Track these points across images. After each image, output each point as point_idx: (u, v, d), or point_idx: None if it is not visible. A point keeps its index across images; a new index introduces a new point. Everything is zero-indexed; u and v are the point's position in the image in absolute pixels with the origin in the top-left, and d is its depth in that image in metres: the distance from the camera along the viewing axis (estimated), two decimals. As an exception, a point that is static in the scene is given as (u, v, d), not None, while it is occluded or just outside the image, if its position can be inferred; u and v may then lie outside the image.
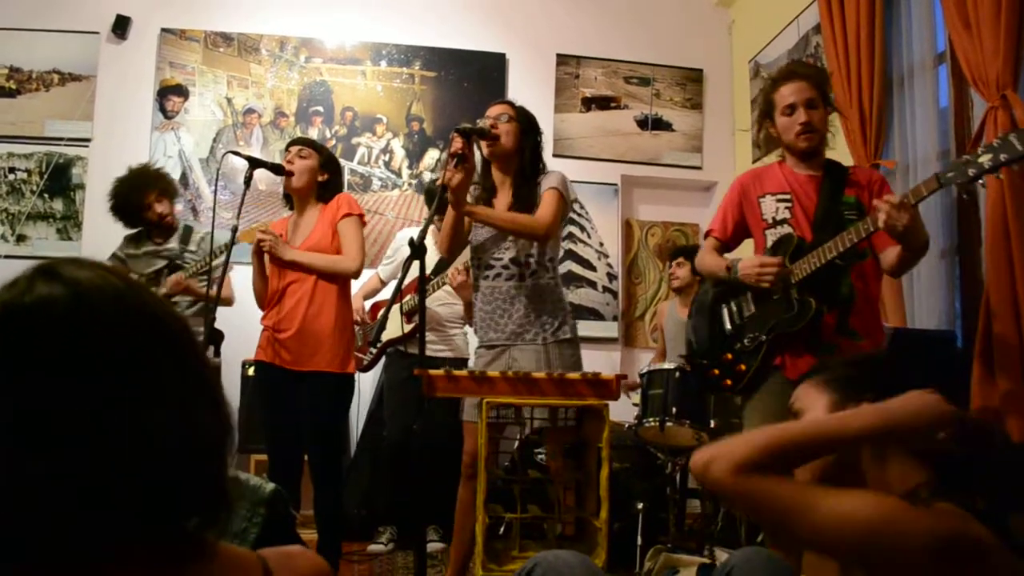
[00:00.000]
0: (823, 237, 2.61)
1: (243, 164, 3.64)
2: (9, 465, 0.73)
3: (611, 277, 5.74)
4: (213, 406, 0.85)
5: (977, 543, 1.19)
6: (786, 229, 2.76)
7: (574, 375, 2.56)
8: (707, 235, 3.09)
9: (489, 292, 3.09)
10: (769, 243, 2.81)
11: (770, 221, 2.83)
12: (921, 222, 2.41)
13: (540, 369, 2.89)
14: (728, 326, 2.86)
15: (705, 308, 3.00)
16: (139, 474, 0.76)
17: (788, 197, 2.79)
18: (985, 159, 2.20)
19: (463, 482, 3.06)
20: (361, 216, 3.51)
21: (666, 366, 4.02)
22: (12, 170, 5.25)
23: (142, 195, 4.05)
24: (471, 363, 3.20)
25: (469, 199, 3.08)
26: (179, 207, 4.34)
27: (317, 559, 0.98)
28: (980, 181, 2.26)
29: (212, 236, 3.96)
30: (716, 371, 2.87)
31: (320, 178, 3.49)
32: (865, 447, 1.38)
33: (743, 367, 2.75)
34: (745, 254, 2.90)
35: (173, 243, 4.12)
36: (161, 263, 4.07)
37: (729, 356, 2.82)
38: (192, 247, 4.09)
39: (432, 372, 2.50)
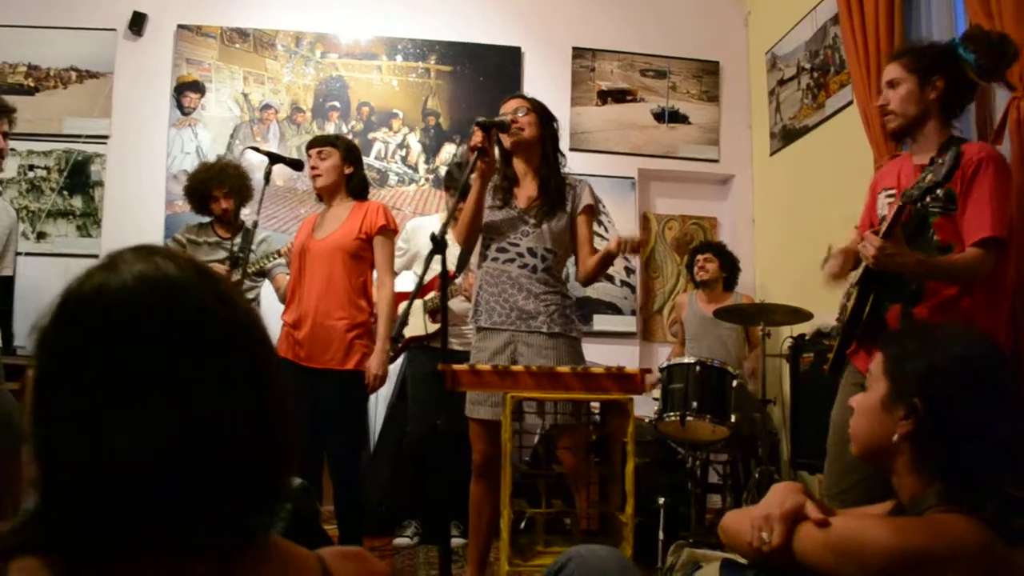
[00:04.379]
0: (905, 232, 2.52)
1: (259, 160, 3.67)
2: (80, 447, 0.75)
3: (629, 271, 5.72)
4: (269, 396, 0.84)
5: (951, 555, 1.24)
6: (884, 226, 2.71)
7: (598, 369, 2.56)
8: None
9: (497, 274, 3.09)
10: None
11: (880, 218, 2.78)
12: (896, 256, 2.37)
13: (545, 362, 2.90)
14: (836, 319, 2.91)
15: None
16: (203, 467, 0.76)
17: (893, 192, 2.73)
18: (927, 178, 2.21)
19: (475, 479, 3.07)
20: (396, 230, 3.61)
21: (686, 360, 4.02)
22: (31, 167, 5.28)
23: (212, 186, 4.14)
24: (472, 348, 3.17)
25: (489, 189, 3.13)
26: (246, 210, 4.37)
27: (377, 564, 0.99)
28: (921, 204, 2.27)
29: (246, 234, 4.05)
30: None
31: (346, 171, 3.52)
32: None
33: (831, 355, 2.83)
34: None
35: (237, 240, 4.17)
36: (222, 254, 4.14)
37: (829, 343, 2.95)
38: (252, 247, 4.09)
39: (456, 367, 2.50)
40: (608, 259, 3.03)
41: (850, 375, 2.74)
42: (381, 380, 3.44)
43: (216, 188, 4.12)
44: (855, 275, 2.68)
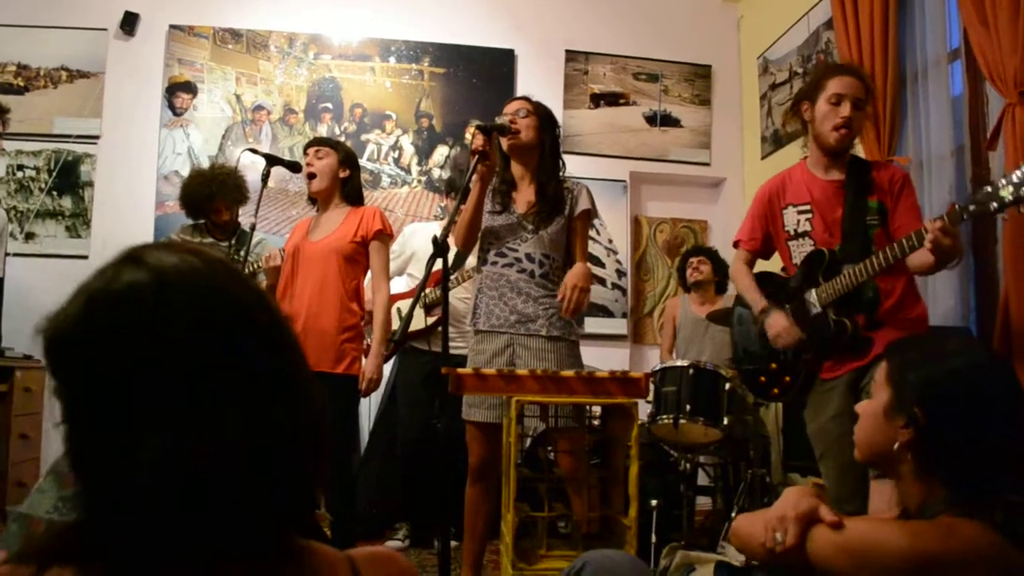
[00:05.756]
0: (850, 248, 2.67)
1: (251, 160, 3.64)
2: (93, 460, 0.73)
3: (620, 274, 5.74)
4: (303, 399, 0.83)
5: (963, 558, 1.27)
6: (808, 242, 2.81)
7: (603, 373, 2.56)
8: (736, 244, 3.12)
9: (496, 277, 3.08)
10: (795, 256, 2.87)
11: (792, 233, 2.88)
12: (960, 241, 2.38)
13: (544, 364, 2.90)
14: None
15: (747, 319, 3.07)
16: (244, 471, 0.74)
17: (808, 208, 2.82)
18: (1007, 192, 2.14)
19: (471, 482, 3.06)
20: (391, 236, 3.59)
21: (680, 363, 4.02)
22: (20, 167, 5.24)
23: (212, 202, 4.08)
24: (469, 351, 3.16)
25: (488, 193, 3.11)
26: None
27: (405, 563, 0.98)
28: (1002, 214, 2.23)
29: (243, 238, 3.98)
30: (763, 379, 2.96)
31: (342, 174, 3.51)
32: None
33: (788, 379, 2.85)
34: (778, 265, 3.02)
35: (232, 242, 4.12)
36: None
37: (774, 366, 2.91)
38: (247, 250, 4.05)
39: (460, 371, 2.49)
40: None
41: (820, 390, 2.79)
42: (376, 383, 3.43)
43: (217, 202, 4.07)
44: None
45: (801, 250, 2.84)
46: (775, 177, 3.02)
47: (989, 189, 2.17)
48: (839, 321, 2.64)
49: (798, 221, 2.85)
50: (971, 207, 2.20)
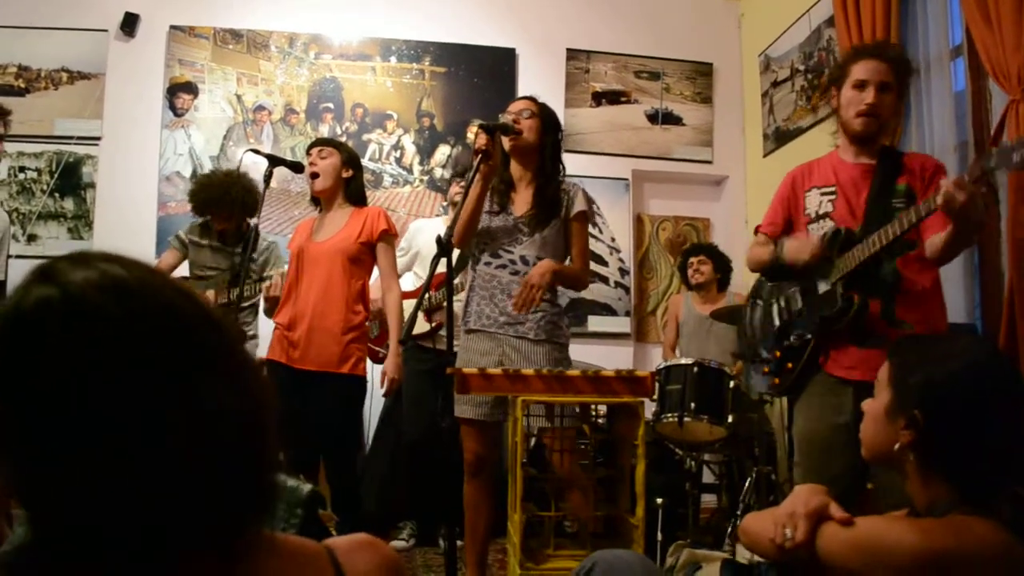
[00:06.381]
0: (871, 228, 2.50)
1: (254, 162, 3.61)
2: (36, 478, 0.72)
3: (623, 272, 5.73)
4: (246, 393, 0.80)
5: (974, 556, 1.26)
6: (828, 224, 2.66)
7: (608, 372, 2.55)
8: (756, 231, 2.96)
9: (489, 278, 3.07)
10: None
11: (812, 215, 2.73)
12: (979, 202, 2.19)
13: (532, 367, 2.87)
14: (777, 322, 2.77)
15: (759, 304, 2.94)
16: (175, 472, 0.73)
17: (832, 190, 2.70)
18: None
19: (467, 479, 3.05)
20: (396, 235, 3.60)
21: (684, 361, 4.02)
22: (22, 169, 5.24)
23: (208, 208, 4.00)
24: (459, 349, 3.12)
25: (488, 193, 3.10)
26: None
27: (386, 549, 0.96)
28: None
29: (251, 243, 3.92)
30: (767, 369, 2.84)
31: (345, 175, 3.51)
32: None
33: (790, 365, 2.70)
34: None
35: (239, 246, 4.04)
36: (224, 263, 4.03)
37: (778, 353, 2.77)
38: (255, 254, 3.93)
39: (466, 370, 2.49)
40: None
41: (819, 384, 2.63)
42: (398, 383, 3.46)
43: (211, 209, 3.99)
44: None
45: (821, 232, 2.67)
46: (802, 164, 2.89)
47: (1011, 143, 2.06)
48: (846, 296, 2.49)
49: (820, 203, 2.72)
50: (990, 160, 2.08)
